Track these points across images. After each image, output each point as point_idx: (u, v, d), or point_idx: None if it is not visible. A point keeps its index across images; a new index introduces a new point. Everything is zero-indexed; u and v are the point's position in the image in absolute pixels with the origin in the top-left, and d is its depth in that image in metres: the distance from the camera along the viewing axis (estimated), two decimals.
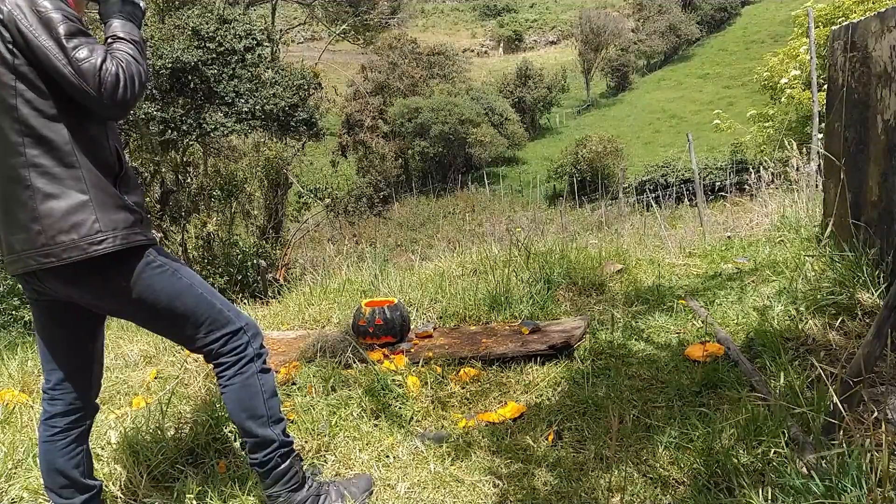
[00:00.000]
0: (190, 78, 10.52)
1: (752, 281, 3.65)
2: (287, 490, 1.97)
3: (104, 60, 1.60)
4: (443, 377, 2.93)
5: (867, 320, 2.68)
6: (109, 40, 1.73)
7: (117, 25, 1.75)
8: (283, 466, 1.95)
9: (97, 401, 2.03)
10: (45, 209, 1.63)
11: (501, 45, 65.89)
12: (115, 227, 1.68)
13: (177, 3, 12.28)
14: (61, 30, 1.58)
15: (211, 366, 1.95)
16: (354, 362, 3.13)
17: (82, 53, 1.58)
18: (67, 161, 1.65)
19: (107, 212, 1.68)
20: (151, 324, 1.91)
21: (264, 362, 1.96)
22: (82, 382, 1.93)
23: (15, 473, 2.44)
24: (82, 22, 1.68)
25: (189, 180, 11.93)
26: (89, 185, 1.67)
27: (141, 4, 1.84)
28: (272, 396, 1.94)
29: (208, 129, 10.67)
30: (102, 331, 1.99)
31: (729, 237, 5.57)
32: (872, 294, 2.77)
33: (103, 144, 1.73)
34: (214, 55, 10.72)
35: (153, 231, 1.91)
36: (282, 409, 2.00)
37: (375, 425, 2.60)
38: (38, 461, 2.00)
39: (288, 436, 2.00)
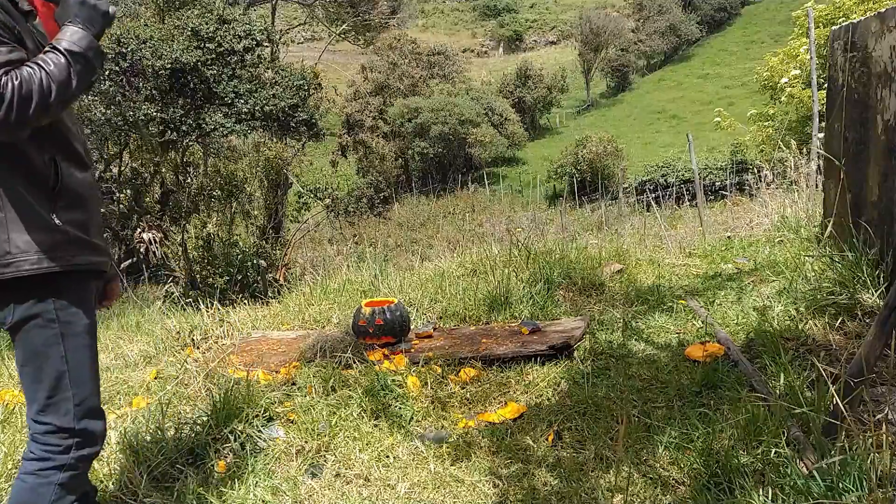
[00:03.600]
0: (189, 78, 10.54)
1: (752, 281, 3.64)
2: None
3: None
4: (443, 377, 2.93)
5: (867, 320, 2.68)
6: (47, 48, 1.57)
7: (66, 33, 1.58)
8: None
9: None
10: None
11: (501, 45, 65.86)
12: (24, 251, 1.55)
13: (177, 3, 12.28)
14: None
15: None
16: (354, 362, 3.13)
17: None
18: None
19: (20, 232, 1.55)
20: (20, 368, 1.66)
21: (74, 479, 1.67)
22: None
23: (15, 473, 2.44)
24: (7, 28, 1.56)
25: (189, 180, 11.94)
26: (8, 203, 1.55)
27: (109, 10, 1.66)
28: None
29: (208, 130, 10.69)
30: None
31: (729, 237, 5.56)
32: (872, 294, 2.77)
33: (31, 155, 1.59)
34: (214, 55, 10.73)
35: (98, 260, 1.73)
36: None
37: (375, 425, 2.59)
38: None
39: None
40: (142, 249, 11.11)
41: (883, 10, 2.84)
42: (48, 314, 1.60)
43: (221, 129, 10.79)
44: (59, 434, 1.64)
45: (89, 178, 1.76)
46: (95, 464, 2.33)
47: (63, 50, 1.55)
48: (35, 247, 1.56)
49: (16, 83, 1.45)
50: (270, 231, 12.11)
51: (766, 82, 15.05)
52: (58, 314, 1.62)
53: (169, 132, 10.61)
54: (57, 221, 1.61)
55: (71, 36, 1.58)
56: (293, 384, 3.02)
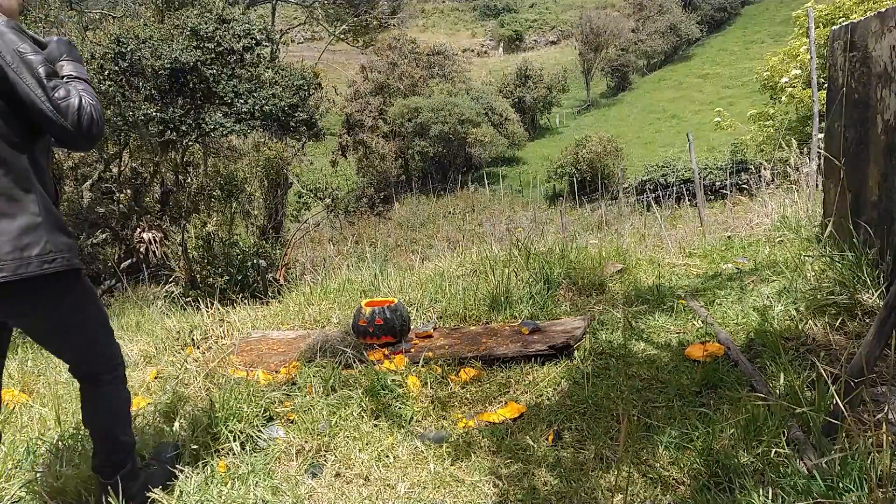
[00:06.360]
0: (189, 78, 10.53)
1: (752, 281, 3.64)
2: (141, 485, 2.17)
3: (81, 100, 1.80)
4: (443, 377, 2.93)
5: (867, 320, 2.68)
6: (65, 79, 1.86)
7: (70, 68, 1.91)
8: (130, 465, 2.16)
9: None
10: (0, 227, 1.76)
11: (501, 45, 65.84)
12: (61, 249, 1.86)
13: (176, 3, 12.28)
14: (41, 71, 1.76)
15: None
16: (354, 362, 3.13)
17: (61, 93, 1.78)
18: (25, 186, 1.80)
19: (55, 234, 1.85)
20: (65, 339, 2.02)
21: (125, 382, 2.22)
22: None
23: (14, 473, 2.44)
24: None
25: (189, 180, 11.94)
26: (42, 209, 1.83)
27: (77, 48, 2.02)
28: (128, 406, 2.22)
29: (207, 130, 10.67)
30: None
31: (729, 237, 5.56)
32: (872, 294, 2.77)
33: (48, 174, 1.90)
34: (213, 55, 10.72)
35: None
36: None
37: (375, 425, 2.60)
38: None
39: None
40: (142, 249, 11.11)
41: (883, 10, 2.84)
42: (88, 288, 2.03)
43: (221, 128, 10.77)
44: (118, 361, 2.14)
45: None
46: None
47: (85, 79, 1.92)
48: (68, 247, 1.89)
49: (94, 104, 1.84)
50: (270, 231, 12.11)
51: (766, 82, 15.04)
52: (89, 284, 2.06)
53: (168, 132, 10.59)
54: (69, 227, 1.92)
55: (76, 68, 1.92)
56: (293, 384, 3.02)
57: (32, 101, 1.75)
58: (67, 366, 2.13)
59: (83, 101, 1.80)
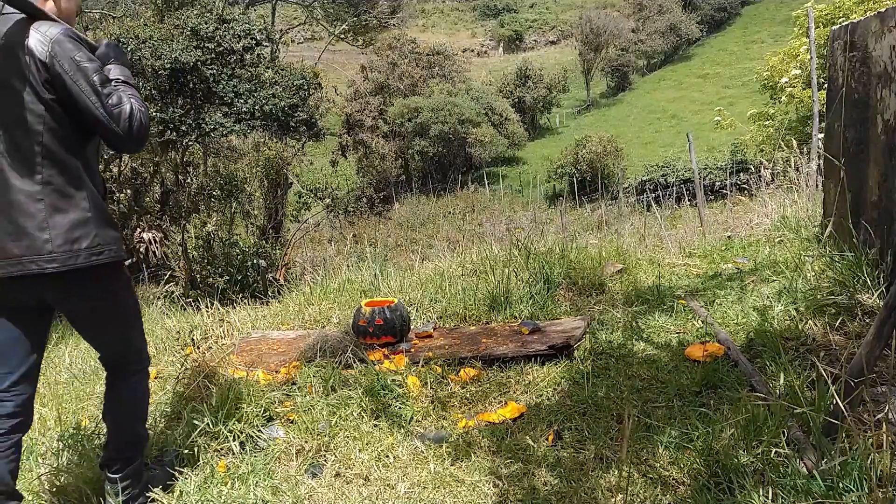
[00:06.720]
0: (189, 78, 10.53)
1: (752, 281, 3.64)
2: (142, 485, 2.21)
3: (132, 107, 1.94)
4: (443, 377, 2.93)
5: (867, 320, 2.68)
6: (114, 83, 2.00)
7: (117, 72, 2.05)
8: (138, 461, 2.21)
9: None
10: (54, 221, 1.90)
11: (501, 44, 65.83)
12: (109, 242, 2.00)
13: (176, 3, 12.28)
14: (96, 79, 1.89)
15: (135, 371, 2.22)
16: (354, 362, 3.13)
17: (114, 100, 1.92)
18: (77, 183, 1.95)
19: (104, 228, 1.99)
20: (103, 327, 2.11)
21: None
22: (32, 383, 2.08)
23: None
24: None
25: (189, 180, 11.94)
26: (92, 205, 1.97)
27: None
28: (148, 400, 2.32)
29: (207, 130, 10.67)
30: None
31: (729, 237, 5.56)
32: (872, 294, 2.77)
33: (97, 171, 2.07)
34: (213, 55, 10.72)
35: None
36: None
37: (375, 425, 2.60)
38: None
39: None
40: (142, 249, 11.11)
41: (883, 10, 2.84)
42: (128, 280, 2.17)
43: (221, 128, 10.77)
44: (145, 354, 2.24)
45: None
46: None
47: (132, 83, 2.07)
48: (114, 240, 2.03)
49: (143, 110, 1.98)
50: (270, 231, 12.11)
51: (766, 82, 15.03)
52: (128, 277, 2.18)
53: (169, 132, 10.60)
54: (115, 221, 2.07)
55: (122, 72, 2.06)
56: (293, 384, 3.02)
57: (88, 106, 1.88)
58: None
59: (133, 107, 1.94)
